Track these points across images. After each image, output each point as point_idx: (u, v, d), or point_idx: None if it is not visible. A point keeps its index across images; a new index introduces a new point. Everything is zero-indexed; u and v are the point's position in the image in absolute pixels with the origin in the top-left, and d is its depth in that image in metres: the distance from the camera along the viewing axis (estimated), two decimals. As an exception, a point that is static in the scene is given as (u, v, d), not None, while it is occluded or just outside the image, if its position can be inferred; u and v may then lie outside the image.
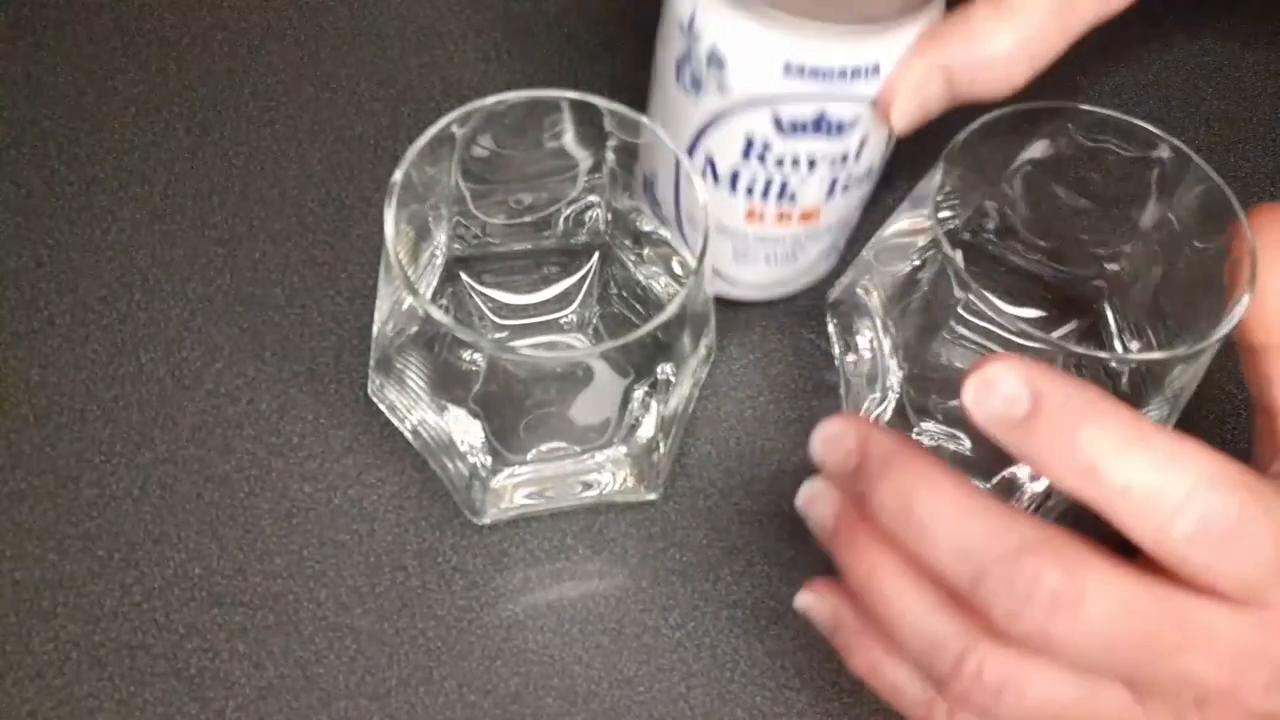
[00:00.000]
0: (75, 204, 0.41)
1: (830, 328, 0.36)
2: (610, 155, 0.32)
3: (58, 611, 0.33)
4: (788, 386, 0.39)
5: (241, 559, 0.34)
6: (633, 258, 0.34)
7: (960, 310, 0.30)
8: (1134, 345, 0.34)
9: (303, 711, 0.32)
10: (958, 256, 0.33)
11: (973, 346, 0.31)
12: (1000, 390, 0.25)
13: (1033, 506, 0.31)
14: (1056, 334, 0.36)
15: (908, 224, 0.32)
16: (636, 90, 0.38)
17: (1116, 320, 0.35)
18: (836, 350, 0.35)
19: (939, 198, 0.31)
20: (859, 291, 0.34)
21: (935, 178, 0.30)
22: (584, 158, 0.33)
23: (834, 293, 0.36)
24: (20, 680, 0.32)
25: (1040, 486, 0.31)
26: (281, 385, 0.38)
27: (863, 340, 0.34)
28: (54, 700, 0.32)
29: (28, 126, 0.43)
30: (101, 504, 0.35)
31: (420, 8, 0.48)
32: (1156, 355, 0.29)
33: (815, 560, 0.35)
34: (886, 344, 0.32)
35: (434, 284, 0.34)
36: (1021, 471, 0.31)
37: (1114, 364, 0.34)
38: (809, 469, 0.31)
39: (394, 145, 0.44)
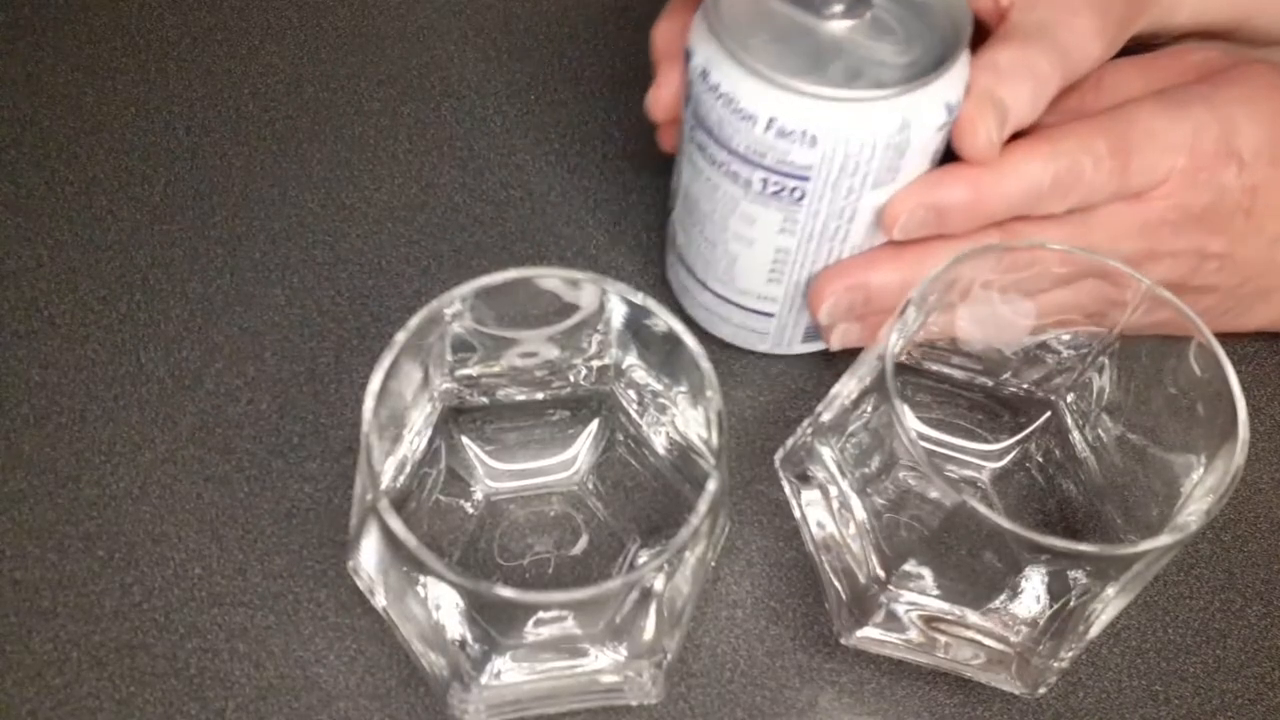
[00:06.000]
0: (75, 204, 0.41)
1: (785, 485, 0.35)
2: (613, 312, 0.31)
3: (58, 611, 0.33)
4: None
5: (241, 559, 0.34)
6: (635, 407, 0.34)
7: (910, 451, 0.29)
8: (1099, 433, 0.34)
9: (303, 711, 0.32)
10: (905, 413, 0.32)
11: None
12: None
13: (1020, 629, 0.31)
14: (1016, 437, 0.36)
15: (854, 386, 0.32)
16: (636, 85, 0.38)
17: (1074, 415, 0.35)
18: (795, 503, 0.34)
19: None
20: (809, 442, 0.34)
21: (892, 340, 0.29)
22: (586, 314, 0.31)
23: (781, 453, 0.36)
24: (20, 680, 0.32)
25: (1028, 612, 0.31)
26: (281, 385, 0.38)
27: (821, 480, 0.33)
28: (54, 700, 0.32)
29: (28, 126, 0.43)
30: (101, 504, 0.35)
31: (420, 8, 0.48)
32: (1141, 547, 0.27)
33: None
34: (845, 483, 0.32)
35: (428, 434, 0.33)
36: (1012, 603, 0.31)
37: (1080, 456, 0.35)
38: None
39: (393, 145, 0.44)
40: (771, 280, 0.36)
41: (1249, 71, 0.35)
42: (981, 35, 0.34)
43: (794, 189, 0.32)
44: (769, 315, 0.37)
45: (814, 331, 0.37)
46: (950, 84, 0.32)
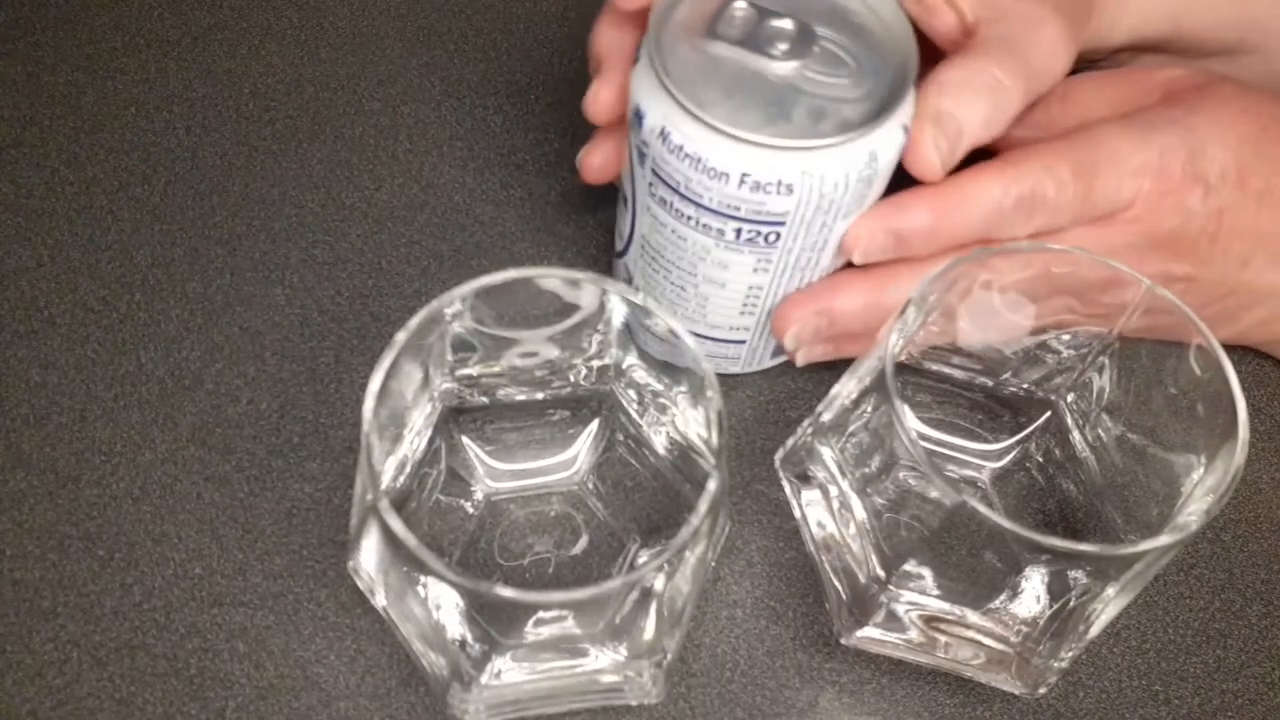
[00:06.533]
0: (75, 204, 0.41)
1: (785, 485, 0.35)
2: (613, 312, 0.31)
3: (58, 611, 0.33)
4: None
5: (241, 559, 0.34)
6: (635, 407, 0.34)
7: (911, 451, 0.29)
8: (1099, 433, 0.34)
9: (302, 711, 0.32)
10: (905, 412, 0.32)
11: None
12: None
13: (1020, 628, 0.31)
14: (1016, 437, 0.36)
15: (854, 386, 0.32)
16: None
17: (1074, 415, 0.35)
18: (795, 503, 0.34)
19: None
20: (809, 442, 0.34)
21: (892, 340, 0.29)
22: (586, 314, 0.31)
23: (781, 453, 0.36)
24: (20, 680, 0.32)
25: (1028, 612, 0.31)
26: (281, 385, 0.38)
27: (821, 480, 0.33)
28: (54, 700, 0.32)
29: (28, 126, 0.43)
30: (101, 504, 0.35)
31: (420, 8, 0.48)
32: (1143, 547, 0.27)
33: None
34: (845, 483, 0.32)
35: (428, 434, 0.33)
36: (1012, 603, 0.31)
37: (1080, 455, 0.35)
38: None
39: (393, 145, 0.44)
40: (744, 313, 0.35)
41: (1218, 94, 0.35)
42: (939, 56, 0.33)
43: (769, 234, 0.32)
44: (740, 343, 0.37)
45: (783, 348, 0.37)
46: (907, 106, 0.31)
